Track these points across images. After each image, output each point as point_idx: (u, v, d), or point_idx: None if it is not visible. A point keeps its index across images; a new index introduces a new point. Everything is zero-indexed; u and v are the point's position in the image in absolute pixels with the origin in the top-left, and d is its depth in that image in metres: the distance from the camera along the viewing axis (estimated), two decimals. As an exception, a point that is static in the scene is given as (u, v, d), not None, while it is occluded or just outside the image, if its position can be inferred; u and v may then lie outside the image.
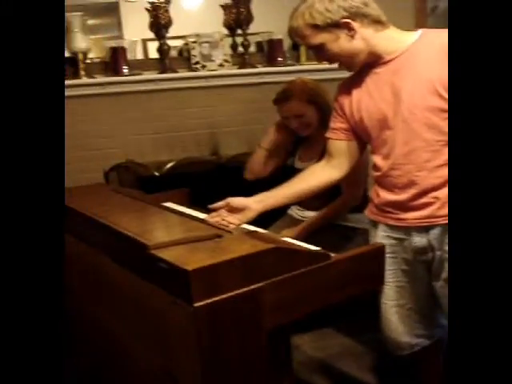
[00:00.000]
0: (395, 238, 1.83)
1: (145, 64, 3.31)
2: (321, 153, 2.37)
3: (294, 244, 1.73)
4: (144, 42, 3.89)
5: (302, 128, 2.38)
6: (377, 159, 1.81)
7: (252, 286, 1.42)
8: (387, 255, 1.76)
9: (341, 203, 2.36)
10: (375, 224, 1.90)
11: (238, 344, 1.44)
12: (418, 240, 1.78)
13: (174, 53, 3.44)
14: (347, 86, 1.85)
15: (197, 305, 1.35)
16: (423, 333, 1.94)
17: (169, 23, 3.12)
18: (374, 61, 1.74)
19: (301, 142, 2.50)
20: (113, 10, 4.10)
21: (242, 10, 3.23)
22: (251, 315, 1.44)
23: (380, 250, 1.74)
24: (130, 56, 3.25)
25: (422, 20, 3.49)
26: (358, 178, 2.25)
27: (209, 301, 1.36)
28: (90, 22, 3.83)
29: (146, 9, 3.10)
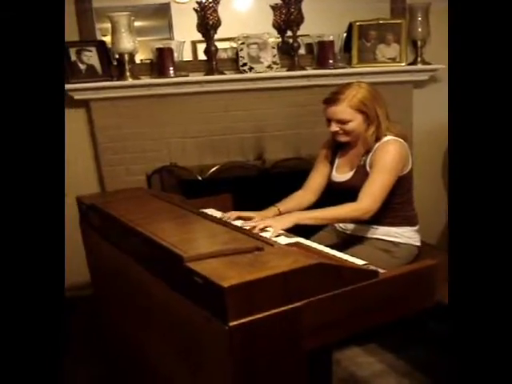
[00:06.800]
0: None
1: (192, 65, 3.24)
2: (357, 165, 2.24)
3: (339, 259, 1.62)
4: (194, 43, 3.83)
5: (341, 135, 2.21)
6: None
7: (292, 305, 1.32)
8: None
9: (348, 210, 2.11)
10: None
11: (275, 366, 1.34)
12: None
13: (224, 55, 3.36)
14: None
15: (232, 324, 1.26)
16: None
17: (217, 24, 3.03)
18: None
19: (339, 153, 2.37)
20: (164, 12, 4.07)
21: (292, 10, 3.11)
22: (290, 337, 1.33)
23: (432, 268, 1.61)
24: (177, 57, 3.19)
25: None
26: (375, 190, 2.09)
27: (245, 320, 1.27)
28: (141, 23, 3.80)
29: (194, 9, 3.03)
